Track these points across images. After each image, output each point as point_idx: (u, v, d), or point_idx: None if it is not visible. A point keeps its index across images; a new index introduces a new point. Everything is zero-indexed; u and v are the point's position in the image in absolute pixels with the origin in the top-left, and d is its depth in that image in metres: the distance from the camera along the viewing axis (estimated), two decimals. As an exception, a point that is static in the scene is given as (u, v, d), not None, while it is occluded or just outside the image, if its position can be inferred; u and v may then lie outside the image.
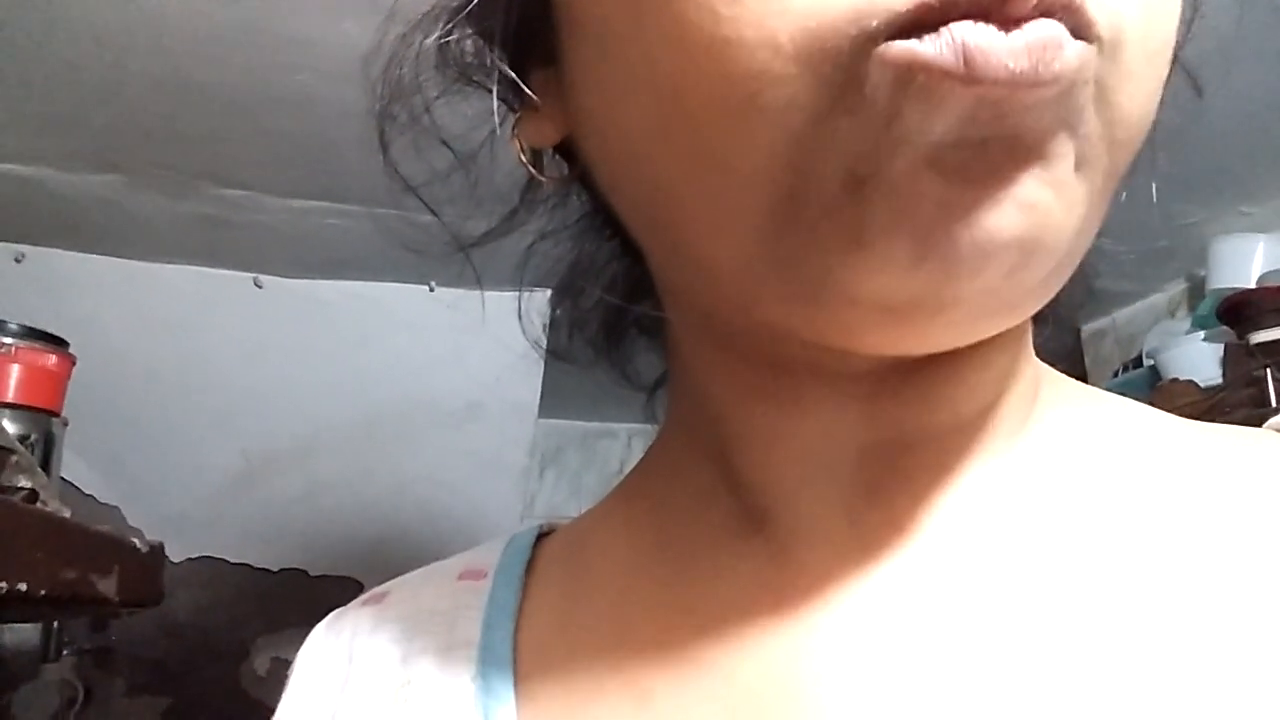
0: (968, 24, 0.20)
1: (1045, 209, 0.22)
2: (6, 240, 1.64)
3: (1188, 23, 0.31)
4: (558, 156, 0.35)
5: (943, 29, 0.20)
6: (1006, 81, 0.20)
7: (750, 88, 0.22)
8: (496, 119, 0.32)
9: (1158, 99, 0.24)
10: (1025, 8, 0.20)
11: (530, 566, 0.36)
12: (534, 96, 0.31)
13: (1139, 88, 0.23)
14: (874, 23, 0.20)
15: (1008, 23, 0.20)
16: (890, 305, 0.24)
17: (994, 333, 0.26)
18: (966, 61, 0.20)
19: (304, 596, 1.79)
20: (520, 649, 0.33)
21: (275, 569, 1.83)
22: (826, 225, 0.23)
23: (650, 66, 0.24)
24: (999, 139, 0.21)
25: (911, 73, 0.20)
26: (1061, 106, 0.21)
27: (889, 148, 0.21)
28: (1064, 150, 0.22)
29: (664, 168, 0.25)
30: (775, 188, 0.23)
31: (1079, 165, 0.23)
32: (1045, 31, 0.20)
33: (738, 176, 0.23)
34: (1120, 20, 0.22)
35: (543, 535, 0.38)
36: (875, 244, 0.22)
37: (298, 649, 0.38)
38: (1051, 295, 0.26)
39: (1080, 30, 0.21)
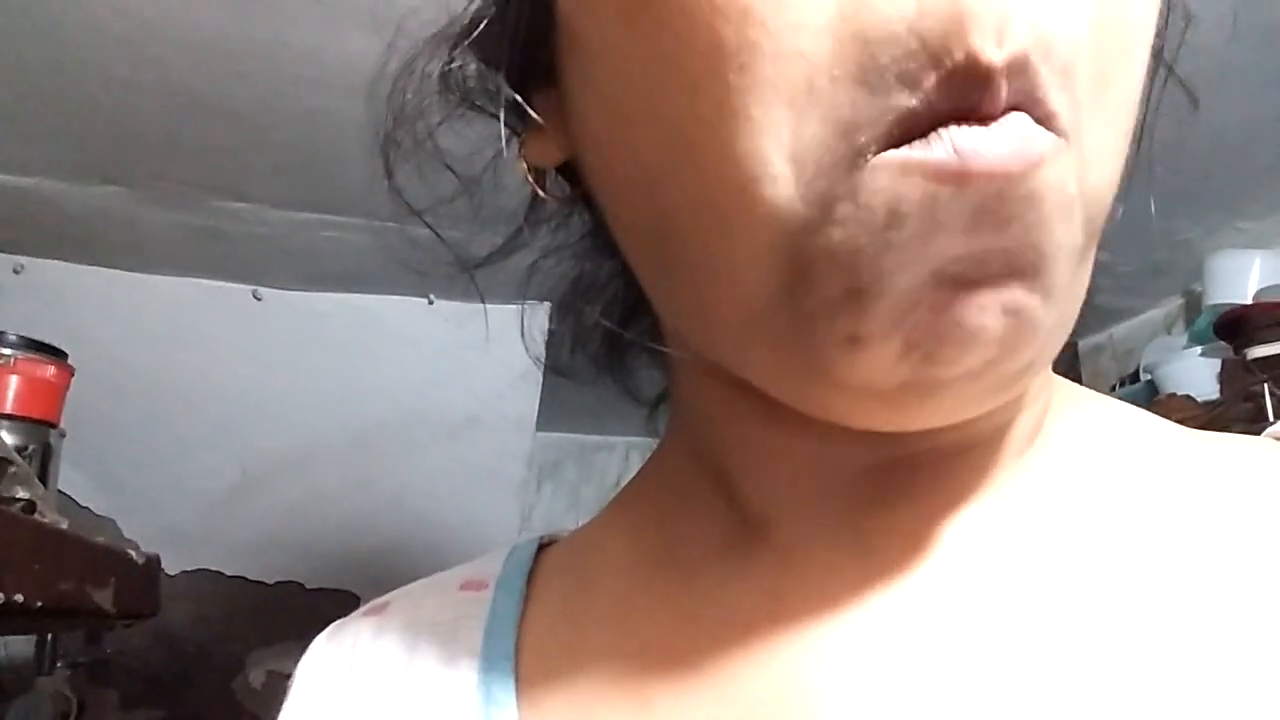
0: (954, 127, 0.21)
1: (1028, 312, 0.23)
2: (6, 251, 1.64)
3: (1180, 34, 0.32)
4: (560, 177, 0.35)
5: (933, 135, 0.21)
6: (1001, 173, 0.21)
7: (753, 172, 0.23)
8: (503, 142, 0.32)
9: (1122, 161, 0.25)
10: (998, 104, 0.21)
11: (531, 577, 0.36)
12: (537, 118, 0.31)
13: (1104, 163, 0.24)
14: (862, 138, 0.22)
15: (986, 119, 0.21)
16: (880, 392, 0.25)
17: (987, 409, 0.27)
18: (959, 155, 0.21)
19: (300, 609, 1.79)
20: (522, 659, 0.33)
21: (271, 582, 1.82)
22: (824, 324, 0.24)
23: (659, 108, 0.24)
24: (999, 250, 0.22)
25: (908, 174, 0.21)
26: (1055, 194, 0.22)
27: (892, 260, 0.22)
28: (1057, 252, 0.23)
29: (669, 204, 0.26)
30: (777, 264, 0.24)
31: (1068, 257, 0.24)
32: (1022, 126, 0.21)
33: (742, 229, 0.24)
34: (1076, 103, 0.22)
35: (544, 546, 0.38)
36: (870, 345, 0.24)
37: (293, 662, 0.37)
38: (1043, 369, 0.27)
39: (1043, 123, 0.22)
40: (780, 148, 0.22)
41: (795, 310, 0.24)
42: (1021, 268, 0.23)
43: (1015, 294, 0.23)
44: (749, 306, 0.25)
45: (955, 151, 0.21)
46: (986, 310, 0.23)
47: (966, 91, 0.21)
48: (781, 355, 0.25)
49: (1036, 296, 0.23)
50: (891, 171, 0.21)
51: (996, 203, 0.21)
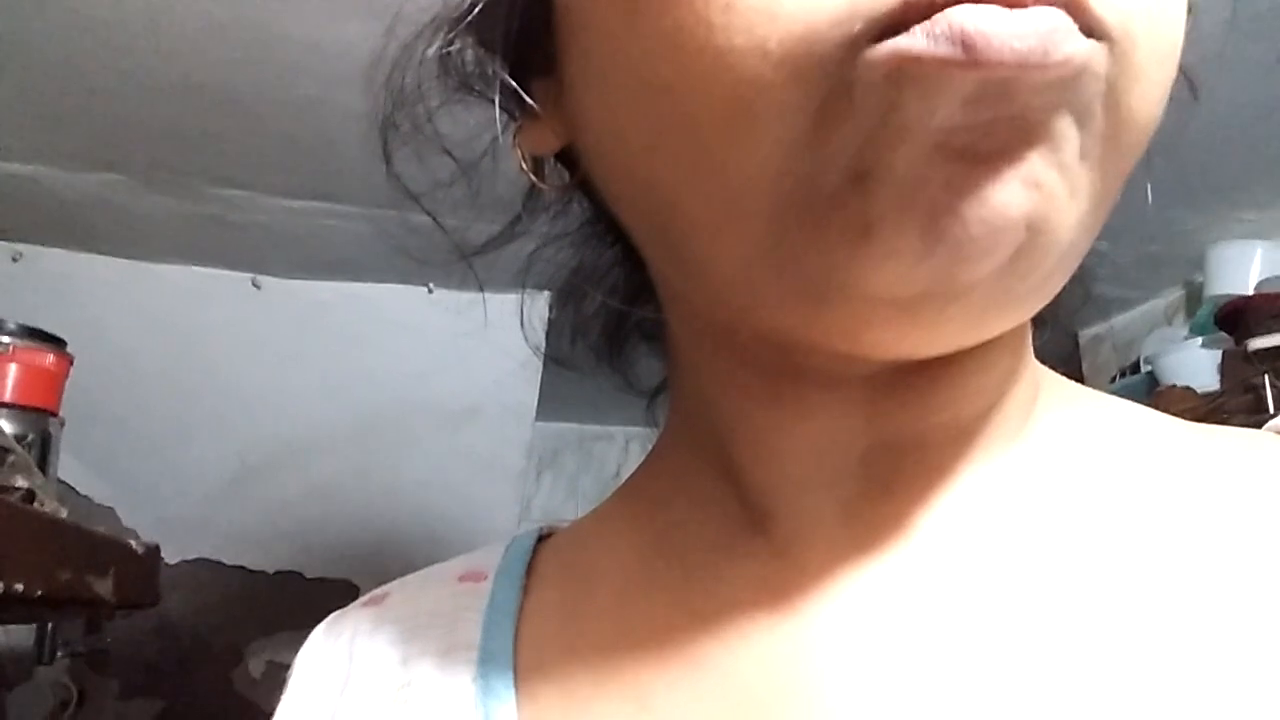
0: (965, 7, 0.20)
1: (1051, 190, 0.22)
2: (4, 239, 1.64)
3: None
4: (558, 164, 0.35)
5: (936, 16, 0.20)
6: (1013, 63, 0.20)
7: (744, 94, 0.22)
8: (499, 128, 0.32)
9: (1164, 101, 0.24)
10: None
11: (531, 568, 0.36)
12: (534, 105, 0.31)
13: (1148, 89, 0.23)
14: (857, 26, 0.20)
15: (1010, 4, 0.20)
16: (899, 299, 0.23)
17: (998, 331, 0.26)
18: (966, 47, 0.20)
19: (299, 599, 1.79)
20: (521, 650, 0.33)
21: (271, 571, 1.82)
22: (831, 219, 0.23)
23: (647, 74, 0.24)
24: (1006, 119, 0.21)
25: (902, 69, 0.20)
26: (1070, 93, 0.21)
27: (890, 140, 0.21)
28: (1071, 135, 0.22)
29: (663, 173, 0.25)
30: (775, 191, 0.23)
31: (1085, 156, 0.22)
32: (1052, 18, 0.20)
33: (736, 181, 0.23)
34: (1129, 21, 0.21)
35: (543, 538, 0.38)
36: (883, 233, 0.22)
37: (293, 652, 0.38)
38: (1053, 293, 0.26)
39: (1088, 28, 0.21)
40: (769, 52, 0.21)
41: (801, 219, 0.23)
42: (1034, 135, 0.21)
43: (1034, 166, 0.21)
44: (754, 231, 0.24)
45: (959, 39, 0.20)
46: (1007, 184, 0.21)
47: None
48: (791, 276, 0.24)
49: (1055, 173, 0.22)
50: (883, 64, 0.20)
51: (1001, 88, 0.20)
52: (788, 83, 0.21)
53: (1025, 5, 0.20)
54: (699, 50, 0.22)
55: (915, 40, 0.20)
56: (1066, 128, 0.22)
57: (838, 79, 0.21)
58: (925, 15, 0.20)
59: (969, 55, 0.20)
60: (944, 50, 0.20)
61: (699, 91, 0.23)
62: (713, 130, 0.23)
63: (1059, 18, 0.20)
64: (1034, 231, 0.22)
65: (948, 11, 0.20)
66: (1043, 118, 0.21)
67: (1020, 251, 0.23)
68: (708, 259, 0.26)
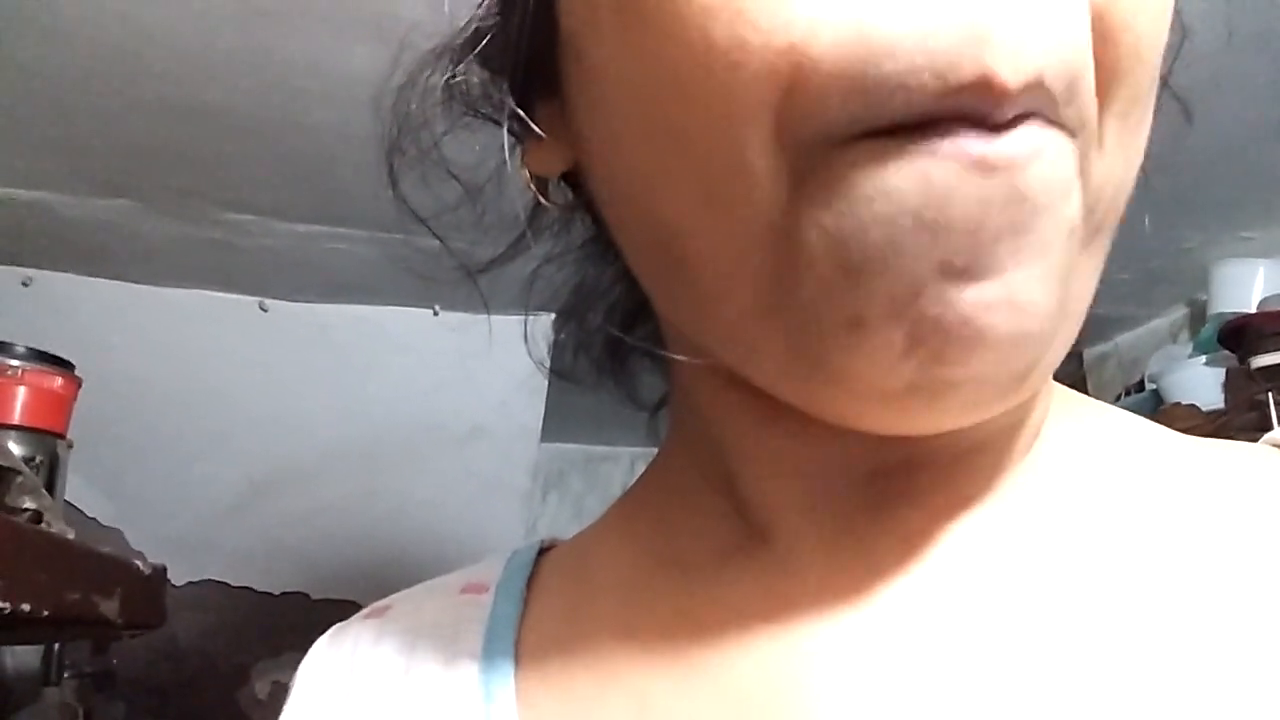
0: (957, 139, 0.21)
1: (1033, 306, 0.23)
2: (14, 264, 1.65)
3: (1175, 48, 0.32)
4: (562, 184, 0.35)
5: (932, 135, 0.21)
6: (1005, 168, 0.21)
7: (744, 155, 0.23)
8: (506, 152, 0.32)
9: (1137, 155, 0.25)
10: (1005, 115, 0.21)
11: (532, 580, 0.36)
12: (538, 128, 0.32)
13: (1113, 157, 0.24)
14: (855, 130, 0.21)
15: (994, 129, 0.21)
16: (887, 392, 0.24)
17: (995, 413, 0.27)
18: (977, 166, 0.21)
19: (305, 620, 1.78)
20: (522, 660, 0.33)
21: (277, 592, 1.82)
22: (824, 308, 0.23)
23: (652, 109, 0.24)
24: (1005, 232, 0.22)
25: (899, 165, 0.21)
26: (1058, 196, 0.22)
27: (886, 243, 0.22)
28: (1058, 238, 0.23)
29: (669, 205, 0.26)
30: (772, 252, 0.24)
31: (1068, 247, 0.23)
32: (1038, 134, 0.21)
33: (739, 222, 0.24)
34: (1085, 107, 0.22)
35: (544, 550, 0.39)
36: (870, 330, 0.23)
37: (298, 671, 0.38)
38: (1051, 370, 0.27)
39: (1057, 122, 0.22)
40: (767, 136, 0.22)
41: (794, 302, 0.24)
42: (1025, 256, 0.22)
43: (1019, 285, 0.22)
44: (750, 301, 0.25)
45: (958, 155, 0.21)
46: (993, 306, 0.22)
47: (975, 104, 0.21)
48: (786, 351, 0.25)
49: (1039, 287, 0.23)
50: (881, 161, 0.21)
51: (999, 191, 0.21)
52: (775, 135, 0.22)
53: (1006, 132, 0.21)
54: (702, 89, 0.23)
55: (909, 143, 0.21)
56: (1055, 232, 0.23)
57: (822, 156, 0.22)
58: (919, 129, 0.21)
59: (978, 166, 0.21)
60: (948, 164, 0.21)
61: (700, 127, 0.23)
62: (715, 170, 0.24)
63: (1041, 131, 0.21)
64: (1017, 344, 0.23)
65: (940, 143, 0.21)
66: (1036, 226, 0.22)
67: (1004, 358, 0.23)
68: (707, 298, 0.27)
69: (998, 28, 0.20)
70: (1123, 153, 0.24)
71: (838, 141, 0.22)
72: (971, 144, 0.21)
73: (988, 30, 0.20)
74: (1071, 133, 0.22)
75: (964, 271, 0.22)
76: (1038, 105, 0.21)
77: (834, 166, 0.22)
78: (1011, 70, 0.20)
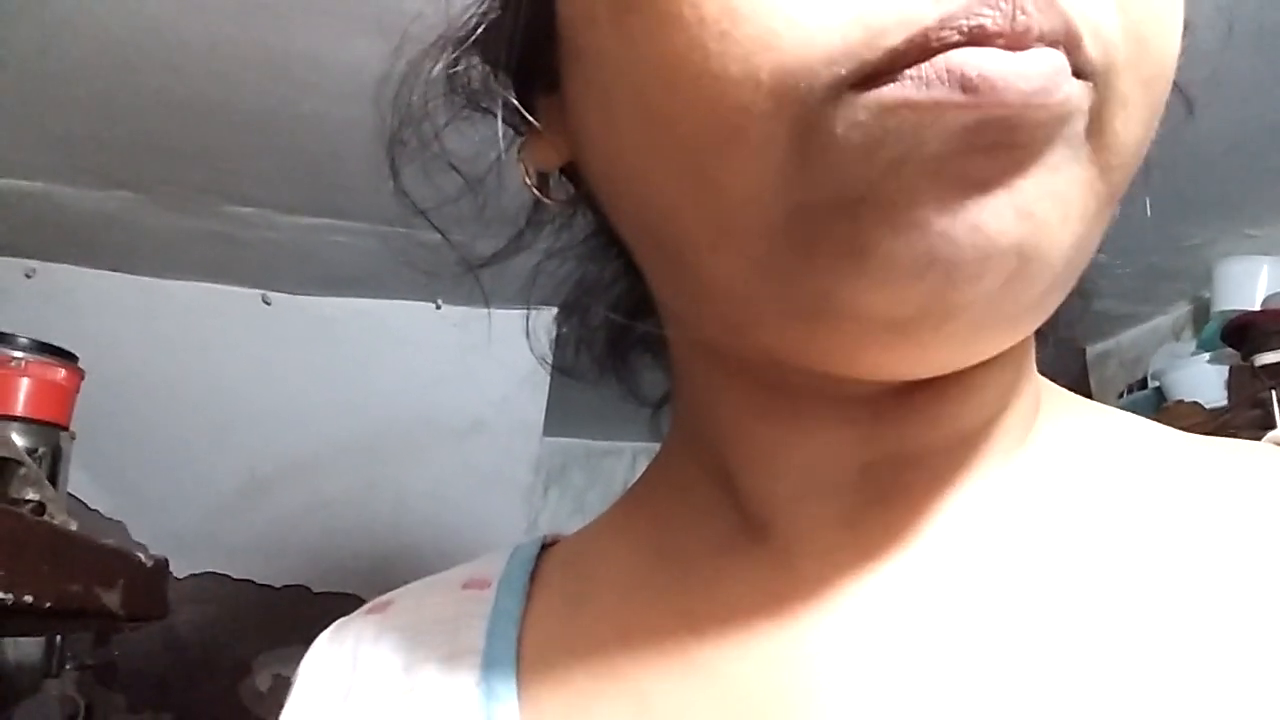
0: (966, 50, 0.20)
1: (1044, 218, 0.22)
2: (17, 255, 1.65)
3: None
4: (563, 178, 0.35)
5: (933, 60, 0.20)
6: (1018, 104, 0.20)
7: (736, 121, 0.22)
8: (502, 144, 0.32)
9: (1153, 124, 0.25)
10: (1030, 38, 0.20)
11: (534, 576, 0.37)
12: (537, 122, 0.32)
13: (1133, 115, 0.23)
14: (842, 70, 0.21)
15: (1013, 48, 0.20)
16: (892, 320, 0.24)
17: (994, 351, 0.26)
18: (967, 89, 0.20)
19: (307, 613, 1.79)
20: (523, 655, 0.33)
21: (278, 585, 1.82)
22: (824, 243, 0.23)
23: (645, 97, 0.24)
24: (1004, 145, 0.21)
25: (888, 111, 0.21)
26: (1064, 126, 0.22)
27: (881, 170, 0.22)
28: (1064, 163, 0.22)
29: (660, 192, 0.26)
30: (767, 214, 0.23)
31: (1076, 182, 0.23)
32: (1053, 59, 0.21)
33: (731, 202, 0.24)
34: (1115, 52, 0.22)
35: (546, 546, 0.39)
36: (875, 255, 0.23)
37: (299, 666, 0.38)
38: (1049, 313, 0.26)
39: (1078, 69, 0.21)
40: (761, 82, 0.22)
41: (794, 241, 0.23)
42: (1032, 168, 0.22)
43: (1028, 194, 0.22)
44: (750, 249, 0.24)
45: (960, 81, 0.20)
46: (1002, 213, 0.22)
47: (987, 30, 0.20)
48: (787, 296, 0.25)
49: (1048, 202, 0.22)
50: (870, 111, 0.21)
51: (1002, 124, 0.21)
52: (775, 113, 0.22)
53: (1028, 47, 0.20)
54: (695, 76, 0.23)
55: (904, 88, 0.20)
56: (1060, 156, 0.22)
57: (820, 115, 0.21)
58: (917, 60, 0.20)
59: (970, 97, 0.20)
60: (939, 94, 0.20)
61: (694, 116, 0.23)
62: (708, 153, 0.23)
63: (1059, 59, 0.21)
64: (1025, 258, 0.23)
65: (947, 55, 0.20)
66: (1040, 147, 0.22)
67: (1013, 276, 0.23)
68: (705, 277, 0.27)
69: None
70: (1144, 116, 0.24)
71: (844, 89, 0.21)
72: (978, 57, 0.20)
73: None
74: (1090, 75, 0.22)
75: (973, 185, 0.22)
76: (1056, 31, 0.20)
77: (839, 114, 0.21)
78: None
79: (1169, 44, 0.24)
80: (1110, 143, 0.23)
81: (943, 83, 0.20)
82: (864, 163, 0.22)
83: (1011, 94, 0.20)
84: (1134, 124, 0.24)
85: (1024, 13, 0.20)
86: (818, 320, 0.25)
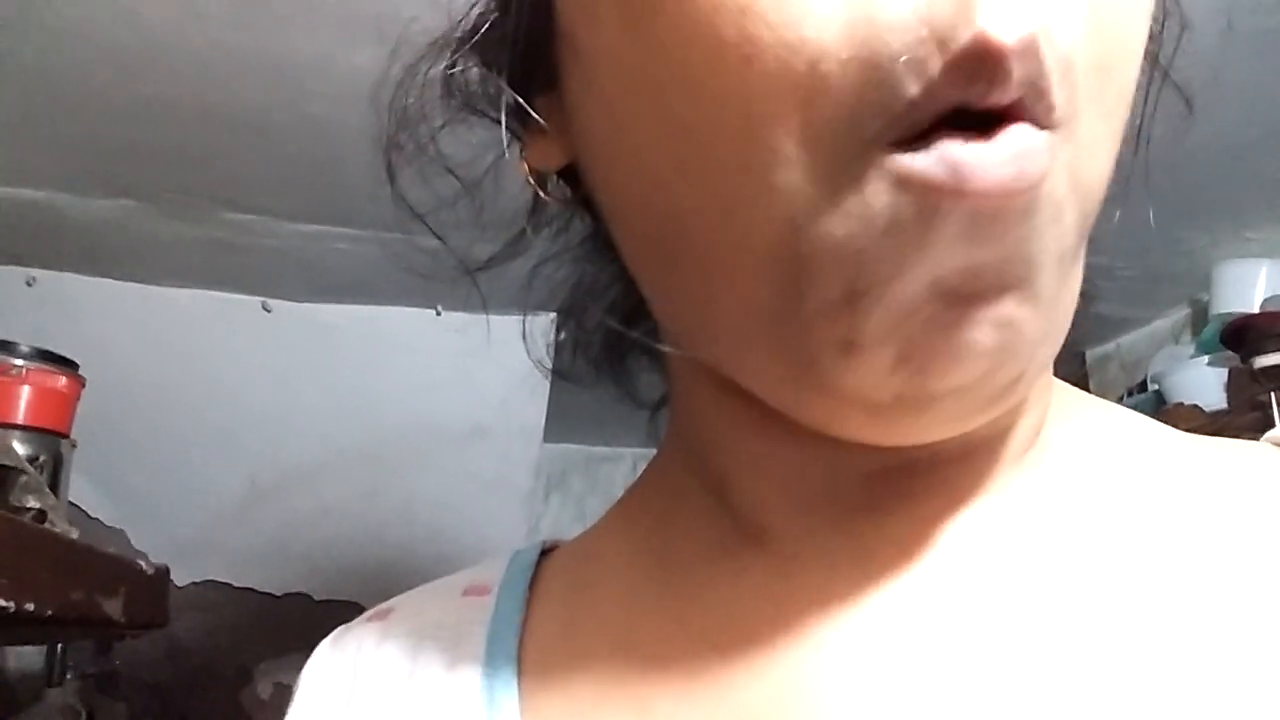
0: (955, 140, 0.21)
1: (1020, 325, 0.23)
2: (18, 263, 1.65)
3: (1176, 40, 0.32)
4: (561, 180, 0.35)
5: (932, 145, 0.21)
6: (997, 191, 0.21)
7: (760, 135, 0.23)
8: (505, 146, 0.32)
9: (1115, 155, 0.25)
10: (1008, 91, 0.21)
11: (534, 582, 0.36)
12: (539, 122, 0.31)
13: (1097, 153, 0.24)
14: (871, 127, 0.22)
15: (991, 125, 0.21)
16: (873, 404, 0.25)
17: (980, 423, 0.27)
18: (955, 173, 0.21)
19: (308, 621, 1.79)
20: (524, 662, 0.33)
21: (279, 593, 1.82)
22: (821, 328, 0.24)
23: (660, 106, 0.24)
24: (996, 264, 0.22)
25: (908, 183, 0.21)
26: (1042, 196, 0.22)
27: (890, 266, 0.22)
28: (1048, 259, 0.23)
29: (676, 202, 0.26)
30: (776, 246, 0.24)
31: (1059, 262, 0.24)
32: (1025, 140, 0.21)
33: (743, 222, 0.24)
34: (1077, 94, 0.22)
35: (546, 552, 0.39)
36: (863, 351, 0.24)
37: (301, 674, 0.38)
38: (1039, 377, 0.27)
39: (1045, 120, 0.22)
40: (790, 135, 0.22)
41: (794, 312, 0.24)
42: (1014, 281, 0.23)
43: (1007, 308, 0.23)
44: (750, 308, 0.25)
45: (952, 168, 0.21)
46: (980, 326, 0.23)
47: (975, 76, 0.21)
48: (778, 360, 0.25)
49: (1027, 308, 0.23)
50: (890, 180, 0.22)
51: (992, 218, 0.22)
52: (799, 144, 0.22)
53: (995, 135, 0.21)
54: (713, 84, 0.23)
55: (915, 163, 0.21)
56: (1045, 254, 0.23)
57: (850, 175, 0.22)
58: (922, 136, 0.21)
59: (958, 181, 0.21)
60: (938, 175, 0.21)
61: (712, 125, 0.23)
62: (724, 167, 0.24)
63: (1029, 134, 0.21)
64: (999, 360, 0.24)
65: (941, 143, 0.21)
66: (1028, 261, 0.23)
67: (987, 372, 0.24)
68: (707, 303, 0.27)
69: None
70: (1106, 150, 0.25)
71: (868, 141, 0.22)
72: (960, 150, 0.21)
73: None
74: (1064, 130, 0.22)
75: (954, 293, 0.23)
76: (1032, 87, 0.21)
77: (866, 175, 0.22)
78: (1005, 28, 0.20)
79: (1130, 69, 0.25)
80: (1081, 189, 0.24)
81: (940, 165, 0.21)
82: (880, 241, 0.22)
83: (991, 183, 0.21)
84: (1098, 162, 0.24)
85: (1006, 71, 0.21)
86: (804, 391, 0.26)
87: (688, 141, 0.24)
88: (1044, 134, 0.22)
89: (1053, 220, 0.23)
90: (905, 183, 0.21)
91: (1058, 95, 0.22)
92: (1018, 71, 0.21)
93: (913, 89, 0.21)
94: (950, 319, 0.23)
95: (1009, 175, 0.21)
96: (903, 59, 0.21)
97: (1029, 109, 0.21)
